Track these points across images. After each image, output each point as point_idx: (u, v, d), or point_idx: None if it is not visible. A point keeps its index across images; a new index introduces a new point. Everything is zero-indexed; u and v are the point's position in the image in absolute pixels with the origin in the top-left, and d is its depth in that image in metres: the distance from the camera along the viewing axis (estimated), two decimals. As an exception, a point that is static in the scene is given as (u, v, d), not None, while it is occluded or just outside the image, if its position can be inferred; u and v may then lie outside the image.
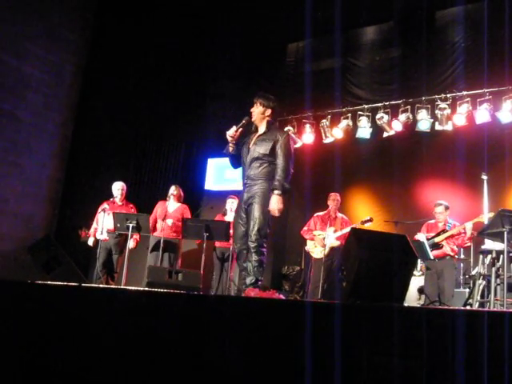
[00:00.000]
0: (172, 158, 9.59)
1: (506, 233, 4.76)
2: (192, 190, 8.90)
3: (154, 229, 6.89)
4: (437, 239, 6.22)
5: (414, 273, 6.40)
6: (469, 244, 6.33)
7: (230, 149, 4.43)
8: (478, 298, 5.77)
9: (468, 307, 5.76)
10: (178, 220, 6.82)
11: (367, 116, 8.11)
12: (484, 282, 5.81)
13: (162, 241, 6.60)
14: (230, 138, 4.38)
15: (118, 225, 6.44)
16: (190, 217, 7.03)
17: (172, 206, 6.99)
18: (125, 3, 9.00)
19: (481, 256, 6.08)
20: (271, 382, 2.41)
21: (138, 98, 9.09)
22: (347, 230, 6.66)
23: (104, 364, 2.84)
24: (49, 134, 8.86)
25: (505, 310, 4.91)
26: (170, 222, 6.85)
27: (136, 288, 3.76)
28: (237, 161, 4.52)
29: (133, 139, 9.57)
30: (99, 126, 9.21)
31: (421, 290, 6.58)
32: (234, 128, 4.38)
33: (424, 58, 7.86)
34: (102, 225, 6.78)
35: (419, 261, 6.52)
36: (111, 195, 6.96)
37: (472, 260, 6.68)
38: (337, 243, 6.77)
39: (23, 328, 3.14)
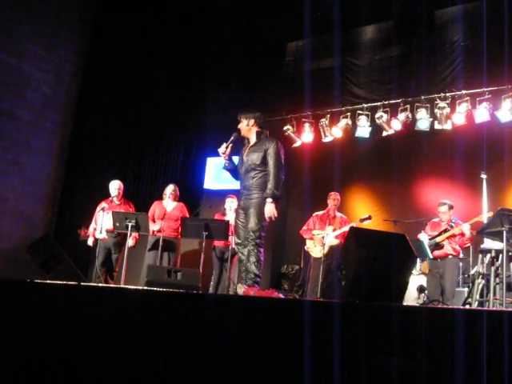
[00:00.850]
0: (171, 157, 9.59)
1: (505, 232, 4.76)
2: (191, 189, 8.91)
3: (152, 228, 6.89)
4: (438, 239, 6.23)
5: (413, 272, 6.41)
6: (469, 245, 6.34)
7: (227, 164, 4.78)
8: (477, 297, 5.78)
9: (467, 306, 5.77)
10: (178, 218, 6.82)
11: (366, 115, 8.10)
12: (483, 281, 5.82)
13: (161, 240, 6.60)
14: (222, 155, 4.70)
15: (117, 224, 6.43)
16: (188, 214, 7.03)
17: (170, 205, 6.99)
18: (125, 3, 8.99)
19: (480, 255, 6.09)
20: (271, 382, 2.41)
21: (137, 98, 9.08)
22: (346, 228, 6.67)
23: (103, 363, 2.84)
24: (48, 133, 8.86)
25: (504, 309, 4.91)
26: (170, 220, 6.86)
27: (135, 287, 3.76)
28: (236, 174, 4.83)
29: (132, 138, 9.56)
30: (98, 126, 9.21)
31: (420, 289, 6.58)
32: (224, 145, 4.68)
33: (423, 57, 7.86)
34: (101, 224, 6.77)
35: (419, 260, 6.52)
36: (110, 194, 6.96)
37: (471, 259, 6.69)
38: (336, 242, 6.78)
39: (22, 327, 3.14)
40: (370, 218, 6.87)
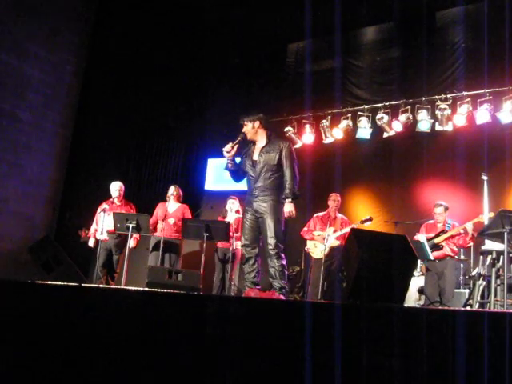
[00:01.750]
0: (172, 158, 9.59)
1: (506, 233, 4.75)
2: (192, 190, 8.91)
3: (155, 229, 6.88)
4: (436, 240, 6.21)
5: (414, 273, 6.39)
6: (470, 244, 6.33)
7: (229, 165, 4.72)
8: (478, 298, 5.77)
9: (468, 308, 5.76)
10: (179, 220, 6.81)
11: (367, 116, 8.10)
12: (484, 283, 5.80)
13: (162, 241, 6.59)
14: (226, 154, 4.63)
15: (118, 225, 6.43)
16: (190, 216, 7.03)
17: (172, 206, 6.98)
18: (125, 3, 9.00)
19: (481, 256, 6.08)
20: (271, 382, 2.41)
21: (138, 98, 9.09)
22: (347, 229, 6.66)
23: (104, 364, 2.84)
24: (49, 134, 8.86)
25: (505, 310, 4.91)
26: (171, 221, 6.84)
27: (136, 288, 3.76)
28: (237, 175, 4.81)
29: (133, 139, 9.56)
30: (99, 127, 9.21)
31: (421, 291, 6.57)
32: (229, 144, 4.61)
33: (424, 58, 7.86)
34: (102, 225, 6.77)
35: (419, 261, 6.51)
36: (111, 195, 6.96)
37: (472, 260, 6.67)
38: (336, 243, 6.77)
39: (23, 328, 3.14)
40: (370, 219, 6.86)
